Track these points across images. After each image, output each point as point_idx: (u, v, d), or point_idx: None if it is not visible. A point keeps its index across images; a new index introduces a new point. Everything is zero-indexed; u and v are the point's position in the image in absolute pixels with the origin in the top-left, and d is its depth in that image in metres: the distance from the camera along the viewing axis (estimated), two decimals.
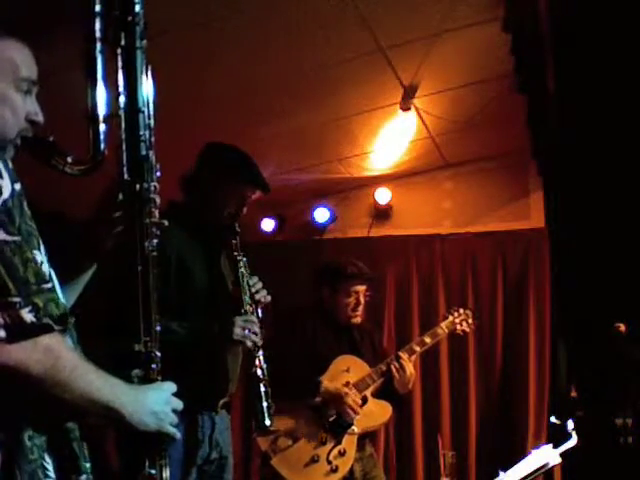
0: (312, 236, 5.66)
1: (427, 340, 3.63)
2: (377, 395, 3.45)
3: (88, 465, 1.41)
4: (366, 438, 3.44)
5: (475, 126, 4.55)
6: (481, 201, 5.36)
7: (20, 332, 1.20)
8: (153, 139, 1.52)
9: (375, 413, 3.40)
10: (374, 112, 4.38)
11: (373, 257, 4.98)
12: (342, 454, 3.24)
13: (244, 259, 2.61)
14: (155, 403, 1.42)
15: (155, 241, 1.50)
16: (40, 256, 1.29)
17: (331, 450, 3.23)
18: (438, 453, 3.78)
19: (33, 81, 1.43)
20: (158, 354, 1.50)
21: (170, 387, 1.50)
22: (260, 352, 2.54)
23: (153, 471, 1.46)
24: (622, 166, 3.32)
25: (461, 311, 3.80)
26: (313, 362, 3.32)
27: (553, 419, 4.02)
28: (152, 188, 1.51)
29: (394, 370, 3.39)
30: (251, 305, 2.58)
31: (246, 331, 2.48)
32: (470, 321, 3.80)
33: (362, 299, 3.49)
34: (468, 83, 4.19)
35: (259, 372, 2.53)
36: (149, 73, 1.52)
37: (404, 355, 3.46)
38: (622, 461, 3.22)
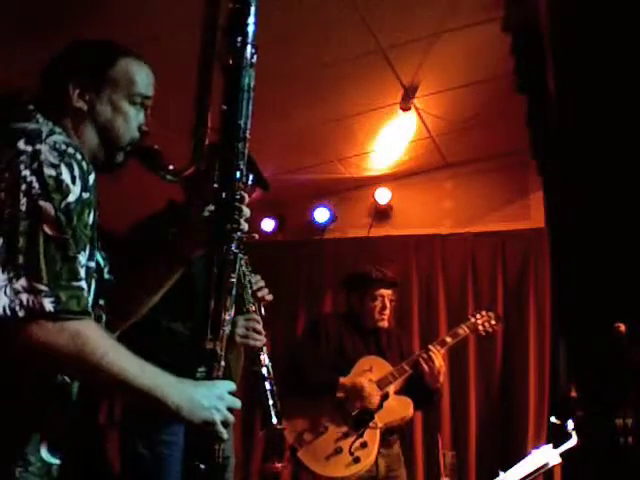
0: (312, 236, 5.67)
1: (447, 340, 3.68)
2: (408, 392, 3.56)
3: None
4: (394, 435, 3.54)
5: (475, 126, 4.56)
6: (481, 201, 5.36)
7: (37, 317, 1.27)
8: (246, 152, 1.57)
9: (396, 408, 3.50)
10: (374, 112, 4.39)
11: (373, 257, 4.97)
12: (364, 446, 3.37)
13: (244, 257, 2.60)
14: (205, 398, 1.42)
15: (234, 247, 1.55)
16: (84, 258, 1.39)
17: (353, 442, 3.38)
18: (438, 453, 3.80)
19: (146, 96, 1.60)
20: (222, 353, 1.51)
21: (226, 385, 1.48)
22: (264, 350, 2.53)
23: (202, 466, 1.46)
24: (622, 166, 3.32)
25: (484, 313, 3.85)
26: (339, 364, 3.49)
27: (553, 419, 4.02)
28: (237, 197, 1.55)
29: (422, 362, 3.48)
30: (253, 304, 2.57)
31: (248, 331, 2.47)
32: (493, 322, 3.83)
33: (388, 303, 3.64)
34: (468, 83, 4.19)
35: (264, 370, 2.52)
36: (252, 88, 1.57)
37: (433, 347, 3.55)
38: (622, 461, 3.21)
